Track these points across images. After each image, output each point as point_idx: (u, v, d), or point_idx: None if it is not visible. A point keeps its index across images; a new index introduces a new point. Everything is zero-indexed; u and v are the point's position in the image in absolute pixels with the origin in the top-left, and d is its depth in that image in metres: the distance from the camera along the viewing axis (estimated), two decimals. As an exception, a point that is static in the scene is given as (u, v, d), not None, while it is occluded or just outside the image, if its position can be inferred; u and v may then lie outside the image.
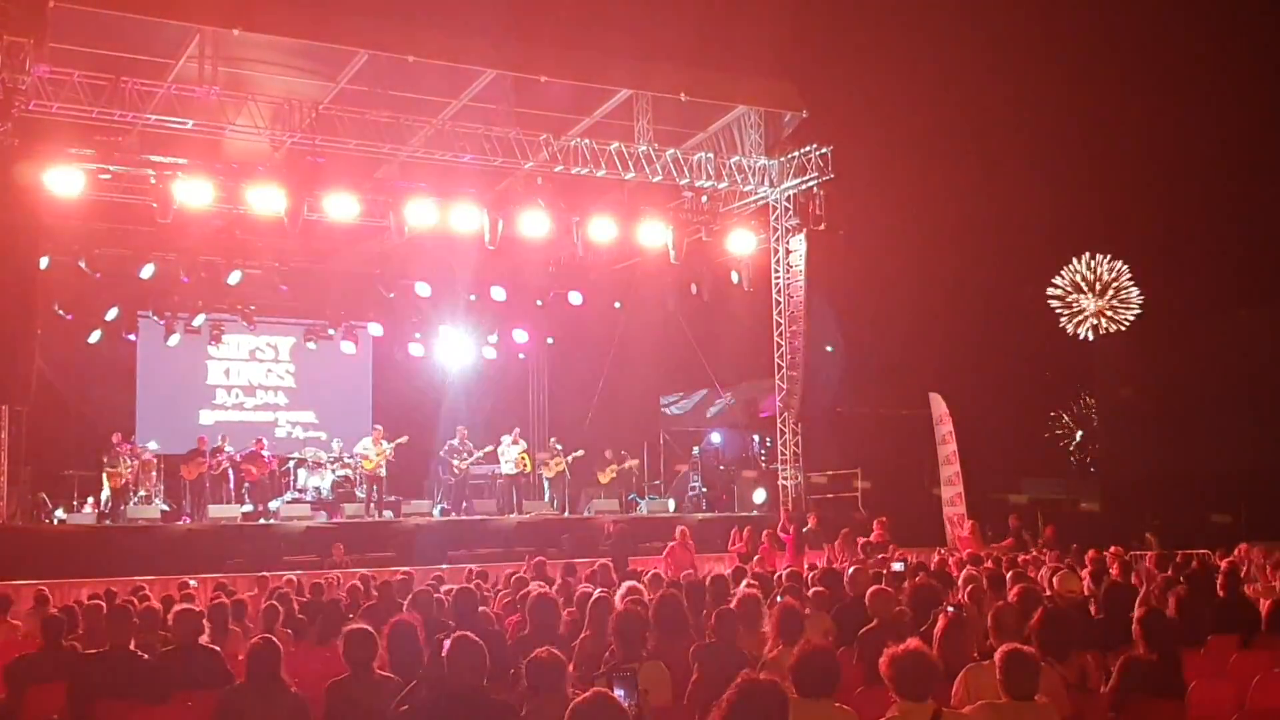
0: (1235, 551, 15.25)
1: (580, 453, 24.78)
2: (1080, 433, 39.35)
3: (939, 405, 23.56)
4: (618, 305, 27.84)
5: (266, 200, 20.10)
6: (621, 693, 5.09)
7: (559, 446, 25.07)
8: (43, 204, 18.94)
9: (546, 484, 24.80)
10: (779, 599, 9.12)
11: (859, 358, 26.99)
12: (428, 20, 20.41)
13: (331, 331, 26.63)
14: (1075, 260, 39.78)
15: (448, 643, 5.98)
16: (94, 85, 18.62)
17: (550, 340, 29.52)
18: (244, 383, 27.15)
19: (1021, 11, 28.52)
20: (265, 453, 23.17)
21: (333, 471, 23.72)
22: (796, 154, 23.54)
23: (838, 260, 24.51)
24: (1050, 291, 39.69)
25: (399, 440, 23.42)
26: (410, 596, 10.39)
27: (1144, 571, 12.59)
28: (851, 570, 11.66)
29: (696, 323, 26.76)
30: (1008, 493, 27.39)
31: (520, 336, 29.00)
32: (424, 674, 6.72)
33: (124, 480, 21.27)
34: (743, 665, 7.02)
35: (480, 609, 9.53)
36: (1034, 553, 17.53)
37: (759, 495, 24.90)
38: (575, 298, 27.29)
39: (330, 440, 25.27)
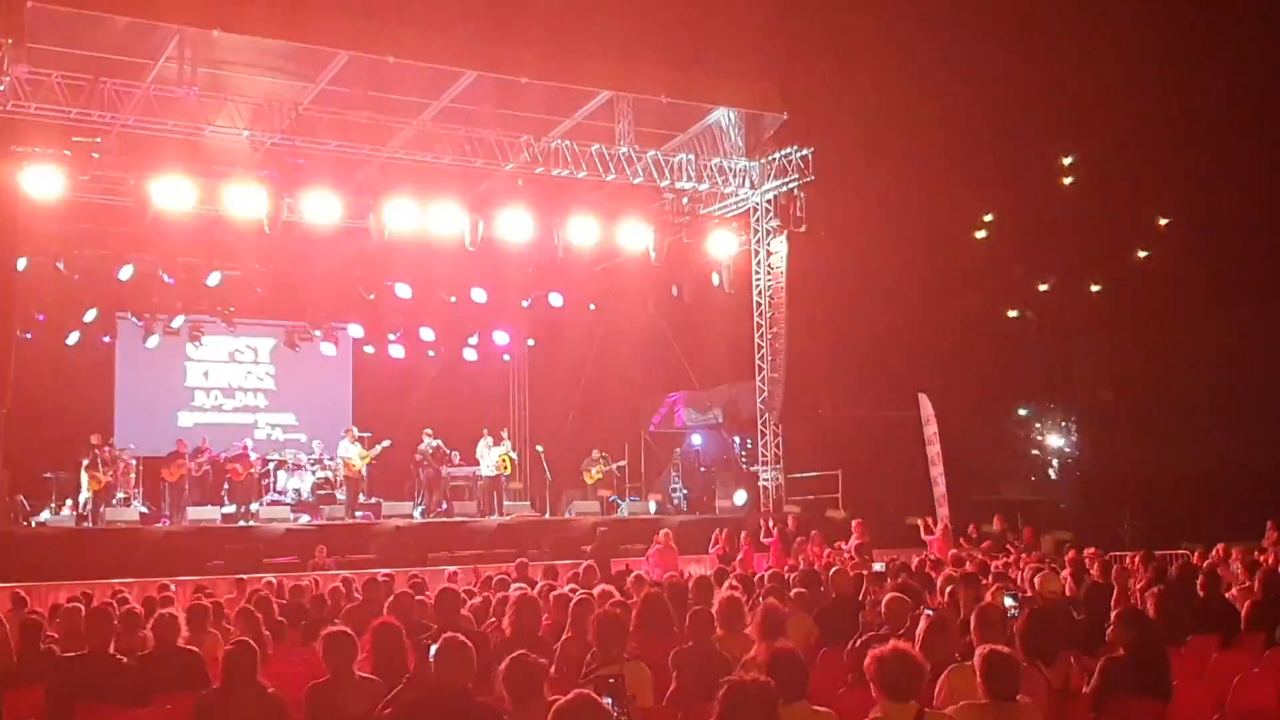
0: (1213, 552, 15.28)
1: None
2: (1061, 432, 39.40)
3: (926, 406, 23.58)
4: (592, 307, 27.82)
5: (246, 201, 20.06)
6: (610, 701, 5.06)
7: (540, 448, 24.96)
8: (20, 205, 18.87)
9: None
10: (761, 600, 9.12)
11: (840, 359, 26.99)
12: (408, 21, 20.36)
13: (314, 333, 26.55)
14: None
15: (435, 645, 5.95)
16: (72, 86, 18.54)
17: (531, 342, 29.49)
18: (223, 385, 27.03)
19: (1004, 14, 28.59)
20: (252, 454, 23.14)
21: (313, 473, 23.65)
22: (777, 156, 23.59)
23: (819, 262, 24.56)
24: None
25: (383, 444, 23.35)
26: (391, 598, 10.36)
27: (1123, 572, 12.61)
28: (833, 571, 11.65)
29: (677, 324, 26.74)
30: (987, 494, 27.40)
31: (501, 338, 28.99)
32: (411, 676, 6.69)
33: (105, 482, 21.15)
34: (722, 666, 7.03)
35: (461, 612, 9.49)
36: (1013, 554, 17.54)
37: (740, 497, 24.88)
38: (556, 299, 27.30)
39: (310, 442, 25.21)
